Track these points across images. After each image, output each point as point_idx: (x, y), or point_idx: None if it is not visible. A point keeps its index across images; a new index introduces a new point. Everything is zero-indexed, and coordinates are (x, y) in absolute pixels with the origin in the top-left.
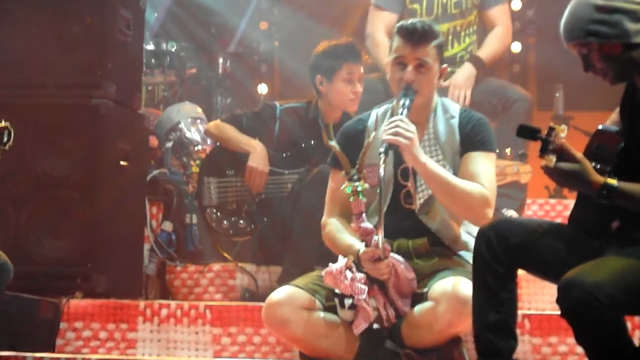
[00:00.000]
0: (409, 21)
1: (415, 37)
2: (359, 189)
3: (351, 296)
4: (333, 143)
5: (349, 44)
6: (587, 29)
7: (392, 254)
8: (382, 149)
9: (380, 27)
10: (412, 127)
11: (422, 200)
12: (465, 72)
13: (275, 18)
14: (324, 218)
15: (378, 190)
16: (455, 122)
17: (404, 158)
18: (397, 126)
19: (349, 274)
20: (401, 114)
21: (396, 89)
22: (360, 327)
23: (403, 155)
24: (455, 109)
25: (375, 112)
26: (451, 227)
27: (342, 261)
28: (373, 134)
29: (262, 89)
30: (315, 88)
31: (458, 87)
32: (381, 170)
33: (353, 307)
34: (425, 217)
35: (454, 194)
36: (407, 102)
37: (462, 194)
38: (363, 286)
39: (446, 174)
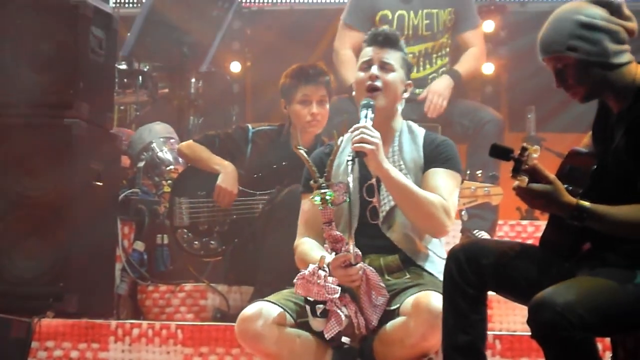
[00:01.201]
0: (376, 29)
1: (380, 38)
2: (328, 196)
3: (323, 302)
4: (300, 149)
5: (305, 66)
6: (568, 44)
7: (362, 263)
8: (349, 157)
9: (347, 43)
10: (377, 134)
11: (384, 213)
12: (443, 82)
13: (248, 38)
14: (296, 241)
15: (347, 199)
16: (420, 141)
17: (368, 165)
18: (361, 133)
19: (322, 273)
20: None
21: (360, 93)
22: (332, 330)
23: (367, 162)
24: (420, 131)
25: (341, 137)
26: (412, 240)
27: (312, 265)
28: (341, 139)
29: (234, 109)
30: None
31: (437, 93)
32: (350, 179)
33: (325, 314)
34: (388, 231)
35: (414, 201)
36: (369, 112)
37: (422, 201)
38: (336, 286)
39: (408, 182)
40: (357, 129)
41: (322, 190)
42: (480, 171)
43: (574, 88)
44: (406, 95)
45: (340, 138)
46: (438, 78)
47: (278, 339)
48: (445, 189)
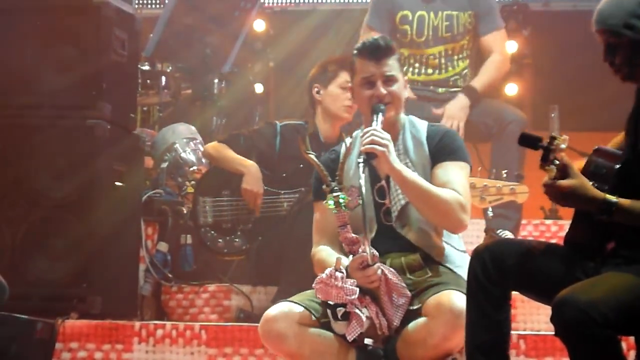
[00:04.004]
0: (367, 40)
1: (379, 52)
2: (341, 199)
3: (343, 305)
4: (310, 154)
5: (347, 56)
6: (626, 21)
7: (380, 263)
8: (360, 160)
9: None
10: (387, 135)
11: (396, 213)
12: (459, 103)
13: (270, 39)
14: (312, 249)
15: (360, 202)
16: (422, 135)
17: (379, 166)
18: (372, 135)
19: (339, 274)
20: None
21: (366, 108)
22: (354, 332)
23: (378, 163)
24: (422, 124)
25: (344, 142)
26: (429, 235)
27: (329, 268)
28: (349, 139)
29: (257, 109)
30: (312, 103)
31: (451, 117)
32: (362, 181)
33: (346, 317)
34: (403, 230)
35: (430, 200)
36: (380, 117)
37: (437, 200)
38: (354, 287)
39: (421, 180)
40: (367, 132)
41: (335, 194)
42: (506, 171)
43: (620, 66)
44: (407, 93)
45: (348, 139)
46: (453, 100)
47: (301, 339)
48: (457, 183)
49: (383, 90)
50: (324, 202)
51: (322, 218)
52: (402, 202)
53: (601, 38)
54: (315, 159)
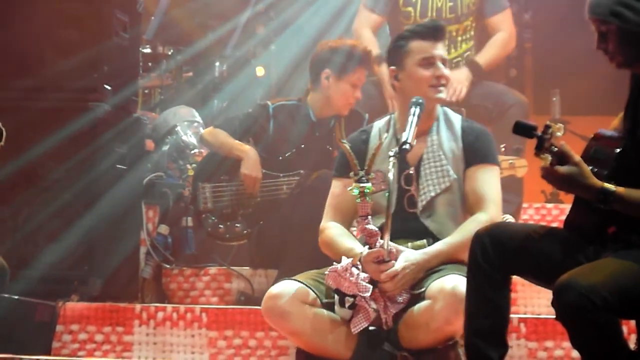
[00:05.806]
0: (426, 22)
1: (438, 34)
2: (367, 190)
3: (353, 296)
4: (344, 142)
5: (367, 50)
6: (611, 9)
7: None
8: (392, 152)
9: (366, 24)
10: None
11: (424, 203)
12: (463, 73)
13: (272, 22)
14: (322, 223)
15: (386, 194)
16: (457, 130)
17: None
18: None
19: (355, 271)
20: (411, 122)
21: (424, 88)
22: (359, 325)
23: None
24: (456, 118)
25: (377, 125)
26: (452, 230)
27: (346, 260)
28: (385, 135)
29: (259, 92)
30: (312, 80)
31: (456, 80)
32: (390, 175)
33: (353, 306)
34: (427, 220)
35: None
36: (418, 110)
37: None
38: (368, 285)
39: (448, 246)
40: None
41: (362, 184)
42: (504, 145)
43: (613, 54)
44: None
45: (385, 135)
46: (457, 70)
47: (304, 318)
48: (490, 195)
49: (445, 71)
50: (349, 188)
51: (339, 194)
52: (432, 193)
53: (593, 26)
54: (349, 148)
